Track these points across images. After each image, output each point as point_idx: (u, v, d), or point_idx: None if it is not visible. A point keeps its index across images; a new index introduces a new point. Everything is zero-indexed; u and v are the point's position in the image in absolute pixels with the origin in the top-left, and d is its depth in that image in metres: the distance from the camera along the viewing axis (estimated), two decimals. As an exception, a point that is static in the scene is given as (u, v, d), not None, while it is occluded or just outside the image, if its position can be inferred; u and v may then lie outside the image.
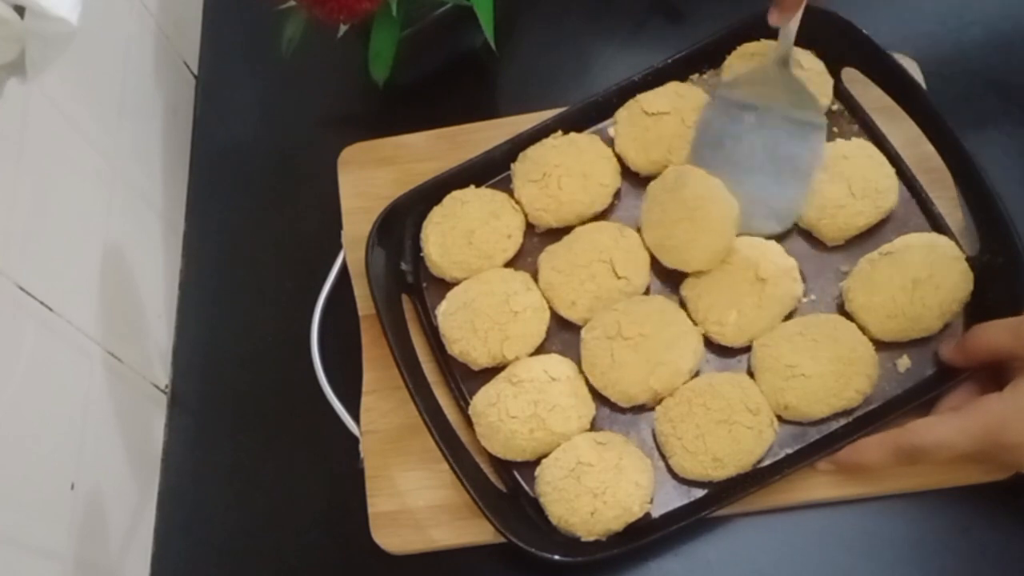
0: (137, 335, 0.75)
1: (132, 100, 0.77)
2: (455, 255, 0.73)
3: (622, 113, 0.76)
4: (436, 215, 0.74)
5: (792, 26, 0.69)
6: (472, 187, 0.76)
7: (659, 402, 0.68)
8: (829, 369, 0.66)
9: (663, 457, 0.67)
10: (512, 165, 0.76)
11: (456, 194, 0.75)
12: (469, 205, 0.74)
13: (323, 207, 0.79)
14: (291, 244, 0.81)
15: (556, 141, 0.75)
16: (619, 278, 0.71)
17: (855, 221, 0.71)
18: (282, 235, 0.81)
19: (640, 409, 0.69)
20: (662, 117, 0.74)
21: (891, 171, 0.72)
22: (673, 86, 0.76)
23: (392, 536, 0.68)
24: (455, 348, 0.71)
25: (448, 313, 0.72)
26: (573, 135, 0.76)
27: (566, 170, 0.74)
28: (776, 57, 0.71)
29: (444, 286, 0.74)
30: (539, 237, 0.75)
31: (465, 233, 0.73)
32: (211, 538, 0.72)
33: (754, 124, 0.73)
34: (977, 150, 0.69)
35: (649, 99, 0.76)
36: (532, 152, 0.75)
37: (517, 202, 0.75)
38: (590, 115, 0.77)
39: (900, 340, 0.68)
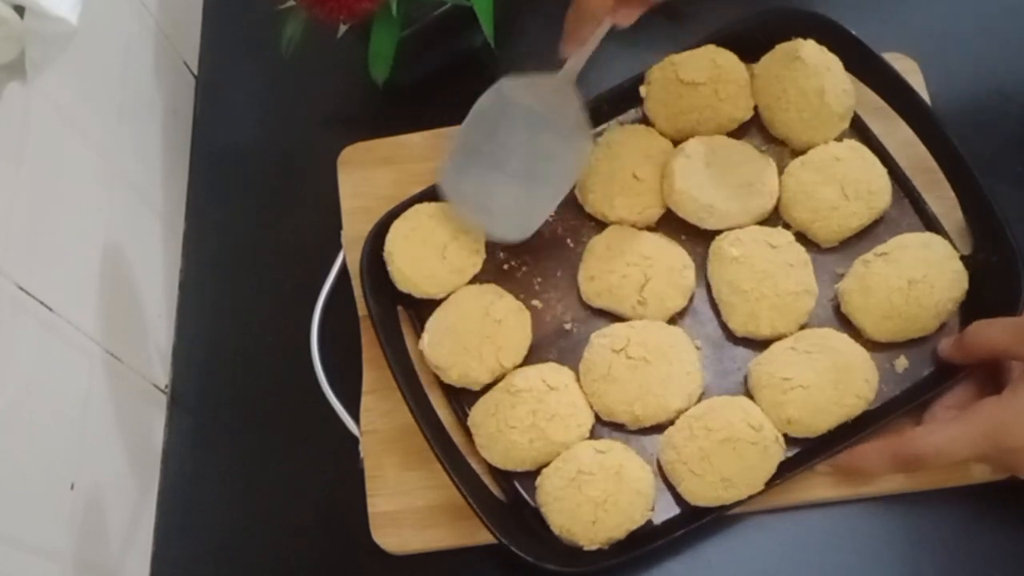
0: (137, 335, 0.75)
1: (132, 100, 0.77)
2: (426, 269, 0.72)
3: (655, 73, 0.75)
4: (402, 228, 0.73)
5: (584, 51, 0.68)
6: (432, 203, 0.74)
7: (638, 427, 0.68)
8: (827, 378, 0.65)
9: (671, 487, 0.66)
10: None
11: (421, 207, 0.73)
12: (435, 219, 0.73)
13: (323, 207, 0.79)
14: (291, 244, 0.81)
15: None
16: (640, 295, 0.70)
17: (849, 223, 0.71)
18: (282, 235, 0.81)
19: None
20: (696, 87, 0.73)
21: (883, 172, 0.72)
22: (711, 51, 0.74)
23: (392, 536, 0.68)
24: (452, 375, 0.70)
25: (434, 344, 0.70)
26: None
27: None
28: (564, 74, 0.69)
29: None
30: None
31: (438, 247, 0.72)
32: (211, 538, 0.72)
33: (528, 128, 0.71)
34: (975, 150, 0.69)
35: (685, 65, 0.74)
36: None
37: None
38: (593, 116, 0.77)
39: (897, 341, 0.68)
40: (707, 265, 0.72)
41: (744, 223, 0.72)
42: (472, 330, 0.69)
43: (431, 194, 0.74)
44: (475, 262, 0.73)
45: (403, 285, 0.73)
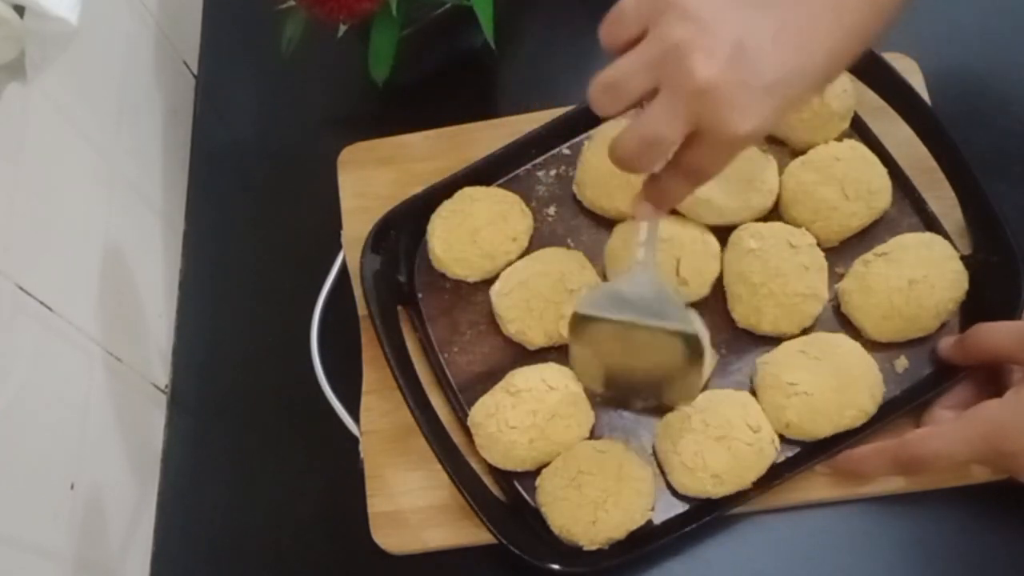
0: (137, 335, 0.75)
1: (132, 100, 0.77)
2: (458, 251, 0.73)
3: None
4: (445, 210, 0.74)
5: (655, 228, 0.57)
6: (482, 186, 0.75)
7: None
8: (831, 386, 0.65)
9: (662, 473, 0.67)
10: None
11: (467, 191, 0.74)
12: (479, 204, 0.74)
13: (323, 207, 0.79)
14: (291, 244, 0.81)
15: None
16: (680, 277, 0.70)
17: (849, 223, 0.71)
18: (282, 235, 0.81)
19: (640, 415, 0.69)
20: None
21: (883, 171, 0.72)
22: None
23: (392, 536, 0.68)
24: (510, 328, 0.70)
25: (503, 293, 0.71)
26: None
27: None
28: (641, 268, 0.58)
29: (439, 297, 0.74)
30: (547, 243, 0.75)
31: (471, 231, 0.73)
32: (211, 538, 0.72)
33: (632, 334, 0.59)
34: (975, 150, 0.69)
35: None
36: None
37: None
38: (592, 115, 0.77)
39: (897, 341, 0.68)
40: (723, 255, 0.71)
41: (743, 219, 0.72)
42: (542, 292, 0.69)
43: (471, 175, 0.74)
44: (508, 249, 0.73)
45: (438, 266, 0.74)
